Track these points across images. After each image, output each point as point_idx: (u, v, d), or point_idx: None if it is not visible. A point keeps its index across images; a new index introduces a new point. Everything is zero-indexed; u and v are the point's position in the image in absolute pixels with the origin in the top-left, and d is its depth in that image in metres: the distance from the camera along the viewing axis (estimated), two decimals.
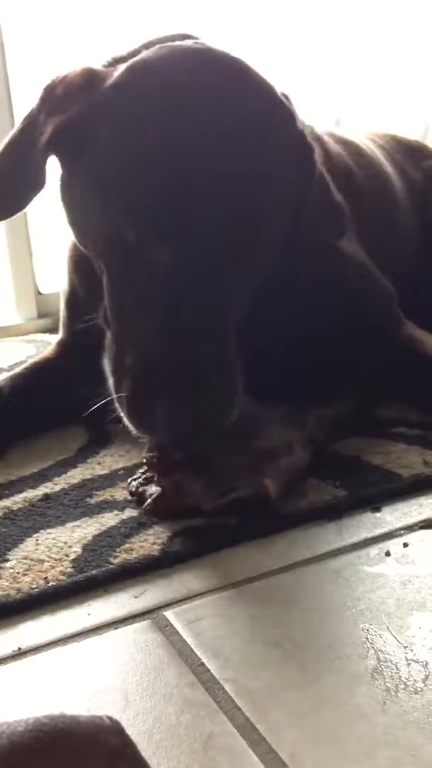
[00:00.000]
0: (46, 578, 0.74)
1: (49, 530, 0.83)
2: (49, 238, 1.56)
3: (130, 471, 0.94)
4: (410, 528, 0.81)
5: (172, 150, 0.78)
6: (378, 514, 0.84)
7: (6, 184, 0.91)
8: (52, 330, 1.65)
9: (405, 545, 0.77)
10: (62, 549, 0.79)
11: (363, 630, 0.65)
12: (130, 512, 0.86)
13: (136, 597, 0.71)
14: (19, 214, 0.96)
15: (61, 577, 0.74)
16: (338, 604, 0.69)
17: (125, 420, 0.82)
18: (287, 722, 0.55)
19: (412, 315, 1.14)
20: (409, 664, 0.61)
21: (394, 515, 0.84)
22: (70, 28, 2.03)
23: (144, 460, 0.87)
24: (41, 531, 0.83)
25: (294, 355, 1.00)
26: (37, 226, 1.82)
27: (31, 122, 0.89)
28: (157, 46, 0.86)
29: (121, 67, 0.85)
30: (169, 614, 0.68)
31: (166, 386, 0.77)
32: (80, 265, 1.04)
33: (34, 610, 0.70)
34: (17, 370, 1.14)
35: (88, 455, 1.02)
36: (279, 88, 0.87)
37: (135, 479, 0.89)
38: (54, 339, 1.20)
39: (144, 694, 0.59)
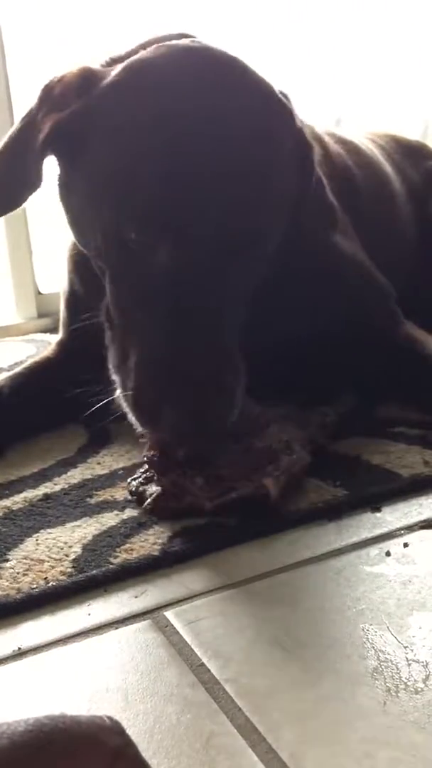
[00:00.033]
0: (46, 578, 0.74)
1: (49, 530, 0.83)
2: (49, 238, 1.56)
3: (130, 471, 0.94)
4: (410, 528, 0.81)
5: (171, 149, 0.78)
6: (378, 514, 0.84)
7: (2, 182, 0.91)
8: (52, 330, 1.66)
9: (405, 545, 0.77)
10: (62, 549, 0.79)
11: (363, 630, 0.65)
12: (130, 512, 0.86)
13: (136, 597, 0.71)
14: (20, 214, 0.96)
15: (61, 577, 0.74)
16: (338, 604, 0.69)
17: (130, 417, 0.82)
18: (287, 722, 0.55)
19: (411, 315, 1.14)
20: (409, 664, 0.61)
21: (394, 515, 0.84)
22: (70, 28, 2.03)
23: (145, 459, 0.87)
24: (41, 531, 0.82)
25: (294, 355, 1.00)
26: (37, 226, 1.82)
27: (30, 121, 0.89)
28: (155, 45, 0.86)
29: (119, 67, 0.85)
30: (169, 614, 0.68)
31: (167, 385, 0.77)
32: (80, 264, 1.04)
33: (34, 610, 0.70)
34: (17, 369, 1.14)
35: (88, 455, 1.02)
36: (278, 87, 0.87)
37: (135, 479, 0.89)
38: (54, 339, 1.20)
39: (144, 694, 0.59)
